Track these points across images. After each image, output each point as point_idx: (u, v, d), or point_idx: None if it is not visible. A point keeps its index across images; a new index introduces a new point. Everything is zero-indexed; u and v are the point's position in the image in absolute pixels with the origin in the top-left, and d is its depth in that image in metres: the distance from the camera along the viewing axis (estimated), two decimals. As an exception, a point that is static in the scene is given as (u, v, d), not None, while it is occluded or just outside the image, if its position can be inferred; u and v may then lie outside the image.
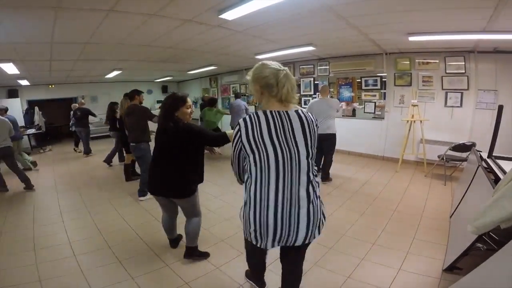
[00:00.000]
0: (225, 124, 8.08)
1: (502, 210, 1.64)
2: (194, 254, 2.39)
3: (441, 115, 5.15)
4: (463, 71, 4.88)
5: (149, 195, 3.90)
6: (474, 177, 2.92)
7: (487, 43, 4.25)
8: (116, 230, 3.04)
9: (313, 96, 6.78)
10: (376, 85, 5.90)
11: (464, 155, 4.30)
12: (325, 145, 4.26)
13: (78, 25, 3.27)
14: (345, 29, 3.87)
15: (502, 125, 3.10)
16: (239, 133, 1.29)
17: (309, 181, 1.31)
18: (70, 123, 7.53)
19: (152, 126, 3.34)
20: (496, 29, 3.37)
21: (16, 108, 7.56)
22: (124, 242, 2.78)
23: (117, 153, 5.97)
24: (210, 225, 3.06)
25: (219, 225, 3.08)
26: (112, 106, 5.65)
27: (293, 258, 1.56)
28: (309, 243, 1.38)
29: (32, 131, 7.74)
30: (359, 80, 6.12)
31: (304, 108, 2.13)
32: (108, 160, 5.88)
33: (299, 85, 7.04)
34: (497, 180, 2.36)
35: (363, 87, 6.09)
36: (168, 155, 2.11)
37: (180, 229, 2.59)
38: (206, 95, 9.29)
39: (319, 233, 1.38)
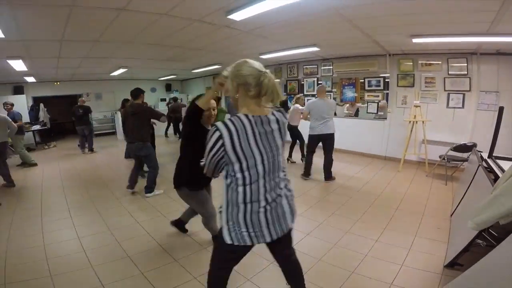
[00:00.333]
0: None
1: (500, 207, 1.71)
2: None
3: (443, 116, 5.22)
4: (465, 72, 4.94)
5: (155, 192, 4.01)
6: (474, 176, 2.99)
7: (490, 45, 4.32)
8: (124, 226, 3.09)
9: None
10: (379, 85, 5.97)
11: (465, 155, 4.37)
12: (327, 144, 4.39)
13: (90, 23, 3.36)
14: (350, 31, 3.94)
15: (503, 126, 3.18)
16: (220, 141, 1.20)
17: (284, 176, 1.41)
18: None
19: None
20: (499, 31, 3.44)
21: (21, 104, 7.65)
22: (133, 238, 2.83)
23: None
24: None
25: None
26: (125, 103, 5.73)
27: (285, 244, 1.62)
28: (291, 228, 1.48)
29: (37, 127, 7.84)
30: (362, 81, 6.20)
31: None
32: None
33: (302, 85, 7.12)
34: (497, 179, 2.42)
35: (366, 88, 6.16)
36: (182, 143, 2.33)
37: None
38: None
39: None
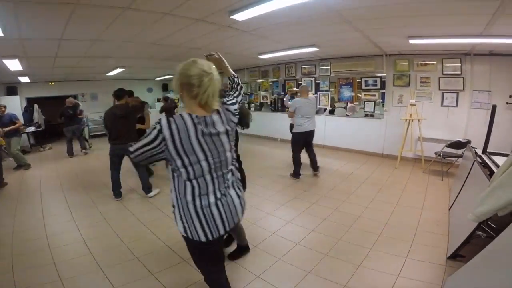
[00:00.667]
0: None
1: (498, 199, 1.80)
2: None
3: (438, 114, 5.37)
4: (459, 72, 5.10)
5: (156, 191, 4.01)
6: (470, 171, 3.11)
7: (484, 47, 4.47)
8: (129, 227, 3.09)
9: (314, 95, 6.93)
10: (375, 85, 6.09)
11: (459, 151, 4.51)
12: (310, 139, 4.66)
13: (91, 22, 3.33)
14: (349, 32, 4.03)
15: (495, 123, 3.31)
16: (161, 135, 1.20)
17: (232, 171, 1.44)
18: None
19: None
20: (493, 33, 3.56)
21: (15, 105, 7.51)
22: (139, 238, 2.83)
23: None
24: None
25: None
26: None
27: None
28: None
29: (31, 129, 7.71)
30: (359, 80, 6.30)
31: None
32: None
33: (300, 84, 7.20)
34: (492, 174, 2.53)
35: (363, 87, 6.27)
36: None
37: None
38: None
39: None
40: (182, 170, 1.26)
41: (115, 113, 3.80)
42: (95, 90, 9.56)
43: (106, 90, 9.72)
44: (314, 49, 5.33)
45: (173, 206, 1.37)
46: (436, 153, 4.73)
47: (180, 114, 1.26)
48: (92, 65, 6.50)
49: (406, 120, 5.20)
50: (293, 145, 4.62)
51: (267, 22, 3.57)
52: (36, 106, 8.24)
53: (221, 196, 1.34)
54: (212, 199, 1.31)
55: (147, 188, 3.96)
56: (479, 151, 3.38)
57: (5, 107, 5.68)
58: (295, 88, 5.87)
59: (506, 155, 2.80)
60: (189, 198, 1.28)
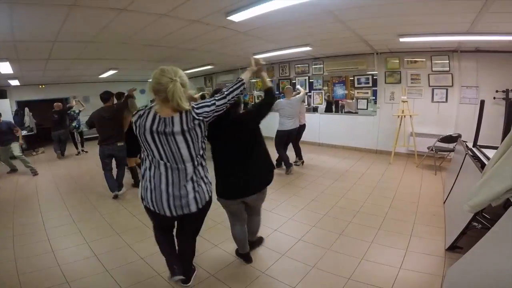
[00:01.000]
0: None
1: (491, 189, 1.88)
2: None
3: (429, 110, 5.53)
4: (448, 69, 5.27)
5: (124, 189, 4.17)
6: (462, 164, 3.23)
7: (469, 44, 4.64)
8: (132, 229, 3.09)
9: (308, 94, 7.03)
10: (368, 83, 6.23)
11: (451, 146, 4.67)
12: (293, 138, 4.99)
13: (87, 23, 3.30)
14: (342, 31, 4.12)
15: (484, 117, 3.46)
16: (133, 119, 1.64)
17: (193, 167, 1.66)
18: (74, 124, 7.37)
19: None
20: (478, 31, 3.71)
21: (5, 109, 7.34)
22: (142, 240, 2.83)
23: None
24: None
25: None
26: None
27: (187, 226, 1.93)
28: (202, 210, 1.75)
29: (23, 133, 7.55)
30: (352, 79, 6.43)
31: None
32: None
33: (294, 83, 7.30)
34: (483, 166, 2.64)
35: (356, 85, 6.40)
36: (244, 148, 2.00)
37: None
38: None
39: (202, 205, 1.73)
40: (145, 153, 1.67)
41: (102, 116, 3.92)
42: (87, 93, 9.41)
43: (98, 93, 9.57)
44: (307, 48, 5.41)
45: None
46: (428, 148, 4.88)
47: (149, 110, 1.60)
48: (84, 67, 6.44)
49: (398, 116, 5.34)
50: (276, 143, 4.85)
51: (263, 23, 3.62)
52: (27, 109, 8.10)
53: (173, 186, 1.63)
54: (163, 185, 1.63)
55: (120, 185, 4.15)
56: (470, 145, 3.51)
57: (0, 114, 5.50)
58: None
59: (496, 147, 2.93)
60: (147, 176, 1.68)
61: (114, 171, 4.18)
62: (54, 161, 6.87)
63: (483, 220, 2.36)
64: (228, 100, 1.73)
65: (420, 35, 4.22)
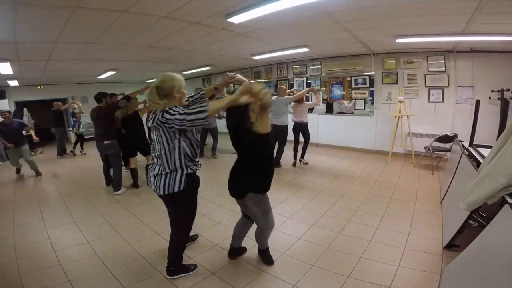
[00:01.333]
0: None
1: (486, 188, 1.92)
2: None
3: (425, 110, 5.60)
4: (444, 69, 5.34)
5: (123, 189, 4.23)
6: (459, 163, 3.28)
7: (464, 44, 4.72)
8: (133, 228, 3.10)
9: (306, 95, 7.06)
10: (365, 83, 6.29)
11: (448, 145, 4.73)
12: (279, 135, 4.92)
13: (89, 25, 3.35)
14: (339, 32, 4.19)
15: (479, 117, 3.52)
16: None
17: (160, 156, 1.91)
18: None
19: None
20: (472, 31, 3.78)
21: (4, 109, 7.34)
22: (144, 239, 2.86)
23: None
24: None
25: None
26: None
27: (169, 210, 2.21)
28: (166, 196, 1.98)
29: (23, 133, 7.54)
30: (349, 79, 6.49)
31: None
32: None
33: (292, 84, 7.36)
34: (479, 165, 2.68)
35: (353, 86, 6.46)
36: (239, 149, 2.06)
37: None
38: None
39: (163, 192, 1.96)
40: None
41: (92, 115, 4.30)
42: (85, 93, 9.39)
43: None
44: (305, 49, 5.46)
45: None
46: (425, 148, 4.94)
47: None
48: (84, 68, 6.45)
49: (395, 116, 5.40)
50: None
51: (262, 24, 3.67)
52: (25, 110, 8.08)
53: (152, 170, 1.98)
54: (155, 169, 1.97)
55: (117, 185, 4.24)
56: (466, 144, 3.57)
57: (9, 112, 5.32)
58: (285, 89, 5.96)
59: (491, 146, 2.99)
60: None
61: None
62: (53, 161, 6.88)
63: (479, 218, 2.39)
64: (190, 121, 1.76)
65: (416, 35, 4.28)
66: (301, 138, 5.28)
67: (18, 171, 5.49)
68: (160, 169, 1.92)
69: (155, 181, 1.95)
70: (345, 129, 6.71)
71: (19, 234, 3.02)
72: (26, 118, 7.94)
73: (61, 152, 7.30)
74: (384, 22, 3.68)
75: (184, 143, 1.88)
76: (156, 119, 1.79)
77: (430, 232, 2.77)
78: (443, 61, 5.32)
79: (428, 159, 4.96)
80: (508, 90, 4.68)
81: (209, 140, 6.63)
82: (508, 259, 1.34)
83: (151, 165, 2.01)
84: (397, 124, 5.39)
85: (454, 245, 2.39)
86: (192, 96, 2.24)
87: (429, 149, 4.80)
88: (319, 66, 6.88)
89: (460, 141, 3.91)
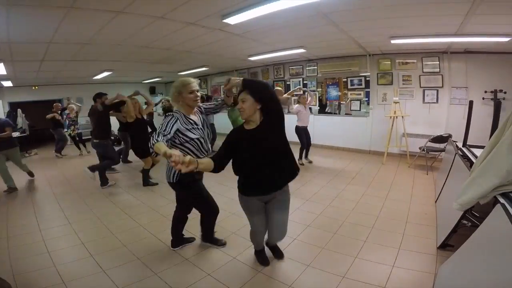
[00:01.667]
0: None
1: (478, 188, 1.95)
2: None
3: (420, 111, 5.66)
4: (438, 70, 5.40)
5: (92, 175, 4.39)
6: (452, 164, 3.31)
7: (459, 45, 4.77)
8: (127, 230, 3.09)
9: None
10: (360, 84, 6.33)
11: (442, 146, 4.78)
12: None
13: (83, 26, 3.32)
14: (335, 33, 4.21)
15: (473, 117, 3.56)
16: None
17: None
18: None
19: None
20: (466, 32, 3.83)
21: (-3, 110, 7.29)
22: (139, 240, 2.84)
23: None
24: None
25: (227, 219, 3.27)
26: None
27: None
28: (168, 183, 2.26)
29: (16, 134, 7.45)
30: (345, 80, 6.53)
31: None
32: (125, 160, 6.11)
33: (288, 85, 7.39)
34: (472, 165, 2.71)
35: (349, 87, 6.50)
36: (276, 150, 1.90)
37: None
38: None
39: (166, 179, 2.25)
40: None
41: (88, 114, 4.83)
42: (81, 94, 9.33)
43: (92, 94, 9.54)
44: (301, 50, 5.48)
45: None
46: (420, 148, 4.98)
47: None
48: (78, 69, 6.40)
49: (390, 117, 5.44)
50: None
51: (258, 25, 3.67)
52: (19, 111, 8.00)
53: None
54: None
55: (94, 168, 4.43)
56: (460, 144, 3.61)
57: None
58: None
59: (484, 147, 3.02)
60: None
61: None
62: (48, 162, 6.82)
63: (472, 218, 2.41)
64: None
65: (410, 37, 4.32)
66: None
67: (30, 174, 5.32)
68: None
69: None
70: (341, 130, 6.75)
71: (13, 236, 3.00)
72: (21, 119, 7.87)
73: (59, 150, 7.39)
74: (379, 23, 3.72)
75: (178, 145, 2.14)
76: None
77: (424, 232, 2.78)
78: (438, 62, 5.38)
79: (422, 159, 5.01)
80: (501, 90, 4.75)
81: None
82: (501, 258, 1.36)
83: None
84: (392, 125, 5.43)
85: (448, 245, 2.41)
86: (216, 100, 2.49)
87: (423, 150, 4.85)
88: (315, 67, 6.91)
89: (454, 141, 3.95)
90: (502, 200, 1.76)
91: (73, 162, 6.82)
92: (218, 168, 1.83)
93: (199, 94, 2.22)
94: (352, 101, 6.54)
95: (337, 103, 6.88)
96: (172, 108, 8.52)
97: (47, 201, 4.14)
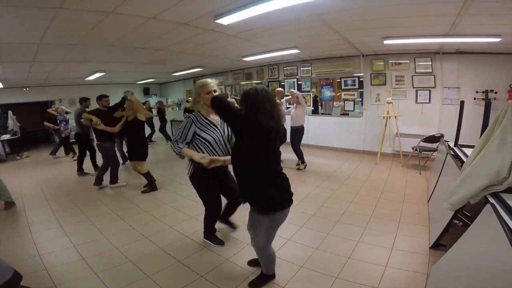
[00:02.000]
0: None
1: (468, 188, 1.96)
2: None
3: (413, 111, 5.71)
4: (430, 70, 5.45)
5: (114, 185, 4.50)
6: (444, 163, 3.35)
7: (450, 45, 4.82)
8: (120, 232, 3.06)
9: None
10: (354, 85, 6.37)
11: (434, 145, 4.82)
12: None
13: (74, 27, 3.28)
14: (328, 34, 4.22)
15: (465, 117, 3.60)
16: None
17: None
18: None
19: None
20: (458, 33, 3.87)
21: (-13, 112, 7.16)
22: (130, 243, 2.81)
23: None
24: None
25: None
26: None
27: None
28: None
29: (6, 136, 7.36)
30: (339, 81, 6.56)
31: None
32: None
33: (283, 86, 7.39)
34: (463, 164, 2.74)
35: (343, 87, 6.53)
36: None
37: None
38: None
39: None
40: None
41: None
42: (73, 96, 9.21)
43: (85, 95, 9.43)
44: (295, 51, 5.49)
45: None
46: (413, 148, 5.02)
47: None
48: (70, 70, 6.32)
49: (384, 117, 5.47)
50: None
51: (251, 26, 3.66)
52: (10, 112, 7.87)
53: None
54: None
55: (97, 179, 4.57)
56: (452, 144, 3.65)
57: None
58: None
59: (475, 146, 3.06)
60: None
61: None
62: (40, 164, 6.72)
63: (463, 218, 2.44)
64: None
65: (403, 37, 4.35)
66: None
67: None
68: None
69: None
70: (335, 130, 6.77)
71: (3, 239, 2.95)
72: (11, 121, 7.74)
73: (54, 152, 7.43)
74: (372, 24, 3.73)
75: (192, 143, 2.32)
76: None
77: (417, 232, 2.80)
78: (430, 62, 5.43)
79: (415, 159, 5.05)
80: (492, 90, 4.81)
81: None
82: (491, 257, 1.37)
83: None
84: (386, 125, 5.46)
85: (440, 245, 2.42)
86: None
87: (416, 149, 4.89)
88: (310, 68, 6.93)
89: (446, 141, 3.98)
90: (492, 200, 1.78)
91: (65, 164, 6.71)
92: None
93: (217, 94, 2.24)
94: (346, 102, 6.56)
95: (331, 103, 6.90)
96: (163, 110, 8.47)
97: (39, 204, 4.07)
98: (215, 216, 2.61)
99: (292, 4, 2.83)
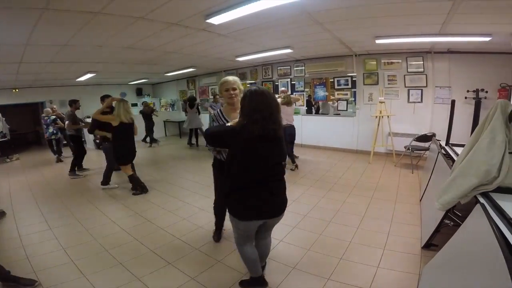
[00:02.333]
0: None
1: (459, 187, 1.96)
2: None
3: (405, 110, 5.74)
4: (422, 70, 5.48)
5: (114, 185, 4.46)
6: (435, 162, 3.36)
7: (442, 45, 4.86)
8: (110, 234, 3.02)
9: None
10: (347, 84, 6.38)
11: (426, 144, 4.85)
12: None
13: (60, 27, 3.21)
14: (320, 33, 4.21)
15: (456, 116, 3.62)
16: None
17: None
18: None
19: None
20: (449, 32, 3.89)
21: (-25, 115, 7.00)
22: (121, 245, 2.78)
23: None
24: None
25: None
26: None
27: None
28: None
29: (-4, 139, 7.21)
30: (332, 80, 6.56)
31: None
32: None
33: (277, 85, 7.37)
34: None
35: (336, 87, 6.54)
36: (274, 168, 1.84)
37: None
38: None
39: None
40: None
41: None
42: (64, 97, 9.05)
43: (76, 96, 9.29)
44: (288, 50, 5.47)
45: None
46: (405, 147, 5.05)
47: None
48: (60, 71, 6.22)
49: (376, 116, 5.49)
50: None
51: (243, 25, 3.63)
52: (-1, 115, 7.71)
53: None
54: None
55: (104, 178, 4.59)
56: (443, 143, 3.67)
57: None
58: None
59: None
60: None
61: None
62: (29, 167, 6.59)
63: (454, 218, 2.43)
64: None
65: (395, 36, 4.37)
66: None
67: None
68: None
69: None
70: (329, 130, 6.78)
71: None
72: (1, 124, 7.57)
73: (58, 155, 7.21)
74: (363, 23, 3.73)
75: None
76: None
77: (409, 231, 2.80)
78: (422, 62, 5.47)
79: (408, 158, 5.07)
80: (482, 90, 4.86)
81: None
82: (481, 257, 1.36)
83: None
84: (378, 124, 5.48)
85: (432, 245, 2.42)
86: None
87: (408, 149, 4.91)
88: (303, 68, 6.93)
89: (438, 140, 4.01)
90: (481, 200, 1.78)
91: (57, 167, 6.60)
92: None
93: (236, 91, 2.20)
94: (339, 101, 6.58)
95: (325, 103, 6.92)
96: (148, 112, 8.34)
97: (28, 206, 4.00)
98: (215, 203, 2.72)
99: (282, 3, 2.80)
